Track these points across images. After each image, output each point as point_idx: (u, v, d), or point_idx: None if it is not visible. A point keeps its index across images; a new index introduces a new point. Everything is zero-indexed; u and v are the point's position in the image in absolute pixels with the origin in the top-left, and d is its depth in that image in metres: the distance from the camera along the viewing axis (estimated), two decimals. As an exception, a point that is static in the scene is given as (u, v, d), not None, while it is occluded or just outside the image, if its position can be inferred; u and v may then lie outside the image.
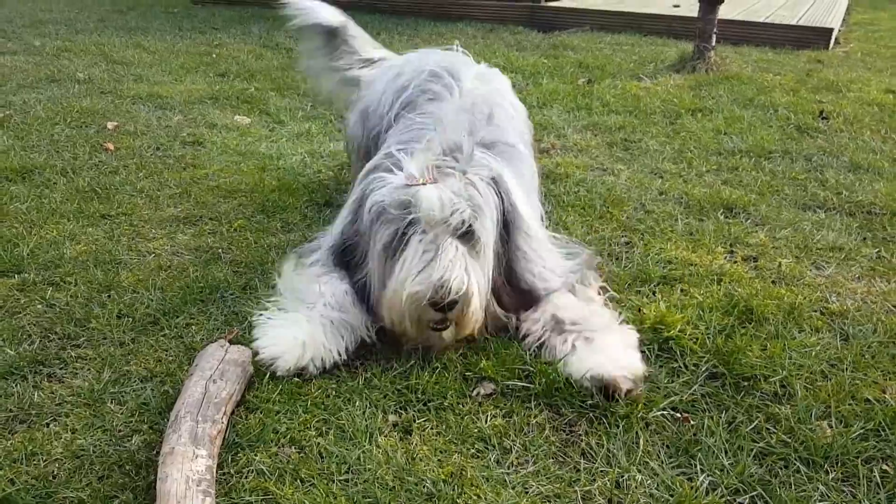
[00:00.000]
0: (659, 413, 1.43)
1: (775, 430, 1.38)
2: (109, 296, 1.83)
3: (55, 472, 1.27)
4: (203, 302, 1.81)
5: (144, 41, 5.25)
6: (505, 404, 1.46)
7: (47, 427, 1.38)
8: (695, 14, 4.53)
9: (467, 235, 1.52)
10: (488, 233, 1.55)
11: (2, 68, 4.25)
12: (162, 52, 4.90)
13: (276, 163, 2.84)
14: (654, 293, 1.85)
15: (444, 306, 1.46)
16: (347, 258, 1.70)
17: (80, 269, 1.95)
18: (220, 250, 2.09)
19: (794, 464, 1.30)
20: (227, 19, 6.46)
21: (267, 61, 4.67)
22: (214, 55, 4.81)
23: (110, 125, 3.24)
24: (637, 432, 1.38)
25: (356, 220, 1.65)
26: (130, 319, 1.73)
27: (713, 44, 4.49)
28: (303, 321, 1.59)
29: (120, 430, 1.37)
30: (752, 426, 1.39)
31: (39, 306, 1.77)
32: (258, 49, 5.06)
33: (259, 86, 4.00)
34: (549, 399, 1.47)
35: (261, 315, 1.67)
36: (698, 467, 1.30)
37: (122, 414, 1.41)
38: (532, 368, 1.53)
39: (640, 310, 1.75)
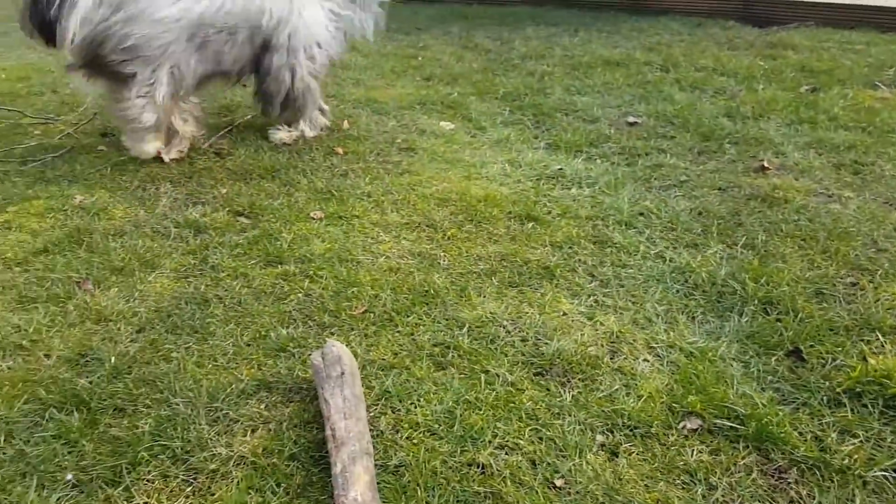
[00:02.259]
0: (880, 473, 1.38)
1: None
2: (353, 291, 2.15)
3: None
4: (427, 304, 2.06)
5: (357, 43, 5.77)
6: (712, 441, 1.50)
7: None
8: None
9: None
10: None
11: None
12: (374, 55, 5.38)
13: (480, 171, 3.05)
14: (883, 344, 1.74)
15: None
16: None
17: (327, 265, 2.31)
18: (436, 257, 2.34)
19: None
20: (428, 18, 6.84)
21: (467, 63, 4.93)
22: (420, 58, 5.18)
23: (346, 124, 3.69)
24: (853, 490, 1.35)
25: None
26: (371, 314, 2.03)
27: (975, 44, 3.88)
28: None
29: (370, 410, 1.65)
30: None
31: (300, 294, 2.15)
32: (459, 51, 5.34)
33: (461, 90, 4.26)
34: (758, 443, 1.48)
35: None
36: (926, 541, 1.25)
37: (370, 398, 1.70)
38: (742, 410, 1.55)
39: (864, 358, 1.67)
